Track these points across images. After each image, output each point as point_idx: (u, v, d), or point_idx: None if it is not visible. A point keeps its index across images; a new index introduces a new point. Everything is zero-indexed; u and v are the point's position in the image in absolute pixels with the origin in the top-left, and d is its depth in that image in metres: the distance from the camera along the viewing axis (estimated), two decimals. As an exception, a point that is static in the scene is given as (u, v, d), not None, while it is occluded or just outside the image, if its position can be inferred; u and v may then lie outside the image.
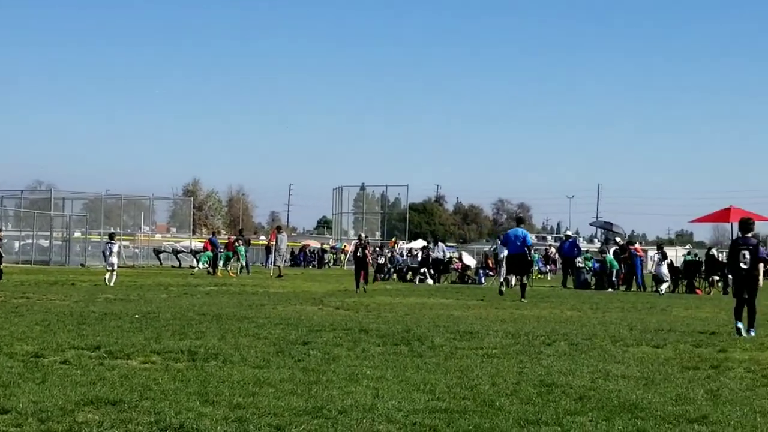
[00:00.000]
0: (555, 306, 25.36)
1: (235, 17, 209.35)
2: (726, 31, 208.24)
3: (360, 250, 33.05)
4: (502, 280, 31.28)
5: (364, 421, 8.29)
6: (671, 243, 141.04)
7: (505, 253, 30.93)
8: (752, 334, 16.75)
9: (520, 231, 29.36)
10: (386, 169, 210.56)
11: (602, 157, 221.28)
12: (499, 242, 49.69)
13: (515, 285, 29.98)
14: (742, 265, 17.23)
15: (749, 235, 17.51)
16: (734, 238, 19.14)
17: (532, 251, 30.75)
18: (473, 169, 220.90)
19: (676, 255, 60.42)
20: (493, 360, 12.57)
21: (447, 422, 8.29)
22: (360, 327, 16.68)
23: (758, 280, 17.29)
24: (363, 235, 38.17)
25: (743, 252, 17.21)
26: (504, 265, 31.96)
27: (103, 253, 34.38)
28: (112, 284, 30.96)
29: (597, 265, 41.23)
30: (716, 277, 38.28)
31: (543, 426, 8.29)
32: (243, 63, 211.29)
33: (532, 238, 32.97)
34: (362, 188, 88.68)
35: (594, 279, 40.66)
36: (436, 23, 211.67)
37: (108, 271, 32.13)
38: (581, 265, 41.36)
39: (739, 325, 16.88)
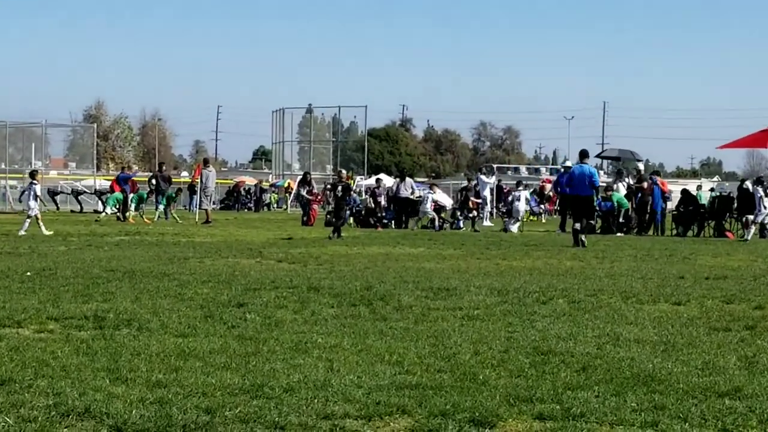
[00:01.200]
0: (552, 255, 25.51)
1: None
2: None
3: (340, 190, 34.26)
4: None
5: (315, 400, 8.28)
6: (695, 174, 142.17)
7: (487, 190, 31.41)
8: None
9: (587, 168, 30.56)
10: (340, 87, 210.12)
11: (608, 70, 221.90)
12: (482, 176, 50.01)
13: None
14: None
15: None
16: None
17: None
18: (447, 86, 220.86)
19: (701, 188, 60.61)
20: (476, 323, 12.63)
21: (419, 401, 8.30)
22: (309, 284, 16.69)
23: None
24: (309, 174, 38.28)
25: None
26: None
27: (22, 194, 34.79)
28: (46, 232, 31.41)
29: (605, 204, 41.36)
30: (751, 217, 38.46)
31: (538, 404, 8.32)
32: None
33: (523, 170, 33.71)
34: (309, 111, 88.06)
35: (600, 221, 40.82)
36: None
37: (29, 218, 32.49)
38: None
39: None
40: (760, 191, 36.02)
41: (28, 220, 32.42)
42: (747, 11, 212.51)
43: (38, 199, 34.81)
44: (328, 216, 42.00)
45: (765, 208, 34.61)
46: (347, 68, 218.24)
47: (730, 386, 8.99)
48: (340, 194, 34.53)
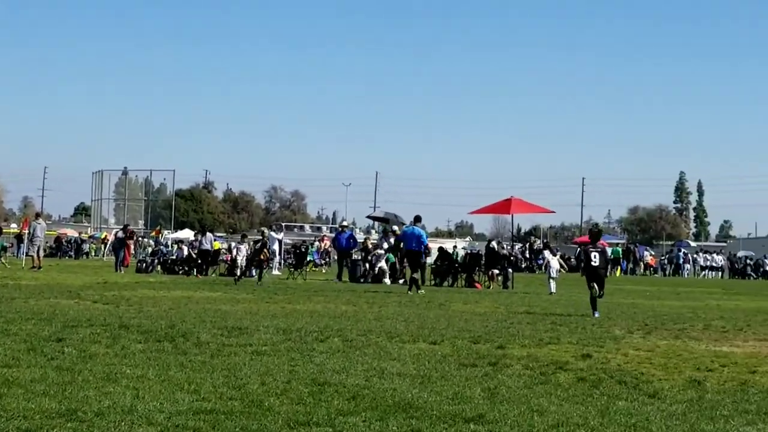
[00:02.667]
0: (330, 300, 25.56)
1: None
2: (504, 24, 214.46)
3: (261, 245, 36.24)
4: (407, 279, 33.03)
5: (123, 423, 8.17)
6: (450, 235, 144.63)
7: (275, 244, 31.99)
8: (597, 315, 21.87)
9: (417, 230, 32.71)
10: (152, 153, 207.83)
11: (381, 144, 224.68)
12: (272, 232, 49.97)
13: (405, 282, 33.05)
14: (593, 264, 22.84)
15: (599, 242, 24.19)
16: (584, 247, 25.63)
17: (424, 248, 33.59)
18: (245, 155, 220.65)
19: (456, 247, 61.63)
20: (263, 358, 12.59)
21: (212, 424, 8.26)
22: (120, 322, 16.43)
23: (605, 275, 23.97)
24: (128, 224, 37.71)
25: (594, 254, 22.91)
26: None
27: None
28: None
29: (374, 258, 41.76)
30: (496, 271, 39.28)
31: (314, 427, 8.36)
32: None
33: (307, 228, 34.64)
34: (125, 173, 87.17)
35: (371, 272, 41.13)
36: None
37: None
38: (355, 257, 41.97)
39: (597, 314, 21.96)
40: (547, 253, 37.05)
41: None
42: (482, 98, 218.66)
43: None
44: (139, 264, 41.48)
45: (551, 266, 35.07)
46: (159, 136, 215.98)
47: (475, 413, 9.15)
48: (258, 247, 36.48)
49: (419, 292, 30.65)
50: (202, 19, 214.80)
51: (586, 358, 13.66)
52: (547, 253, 37.44)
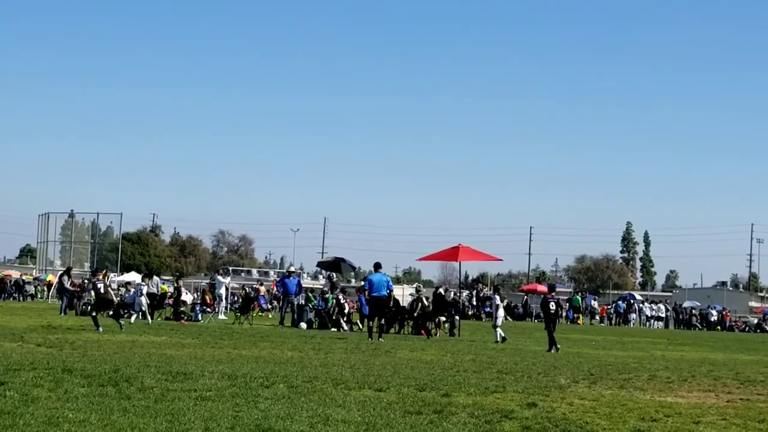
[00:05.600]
0: (276, 346, 25.48)
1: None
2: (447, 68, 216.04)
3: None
4: (370, 327, 33.41)
5: (64, 469, 8.10)
6: (398, 281, 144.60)
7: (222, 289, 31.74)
8: (556, 349, 28.33)
9: (384, 276, 33.37)
10: (99, 196, 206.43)
11: (330, 190, 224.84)
12: (219, 276, 49.79)
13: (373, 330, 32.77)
14: (551, 310, 28.94)
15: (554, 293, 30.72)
16: (544, 297, 31.34)
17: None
18: (192, 199, 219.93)
19: (404, 293, 61.66)
20: (207, 403, 12.52)
21: (155, 470, 8.20)
22: (63, 366, 16.28)
23: (558, 320, 31.07)
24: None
25: (551, 302, 29.11)
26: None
27: None
28: None
29: (321, 303, 41.69)
30: (443, 318, 39.25)
31: (258, 473, 8.32)
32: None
33: (255, 273, 34.74)
34: (71, 215, 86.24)
35: (317, 319, 40.99)
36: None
37: None
38: (301, 302, 41.90)
39: (552, 350, 28.25)
40: (497, 298, 37.10)
41: None
42: (431, 144, 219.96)
43: None
44: (84, 306, 41.18)
45: (499, 312, 35.53)
46: (106, 179, 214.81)
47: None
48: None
49: (379, 339, 31.07)
50: (149, 60, 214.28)
51: (531, 407, 13.69)
52: (497, 297, 37.43)
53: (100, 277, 34.15)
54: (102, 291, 31.31)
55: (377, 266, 33.66)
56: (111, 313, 31.68)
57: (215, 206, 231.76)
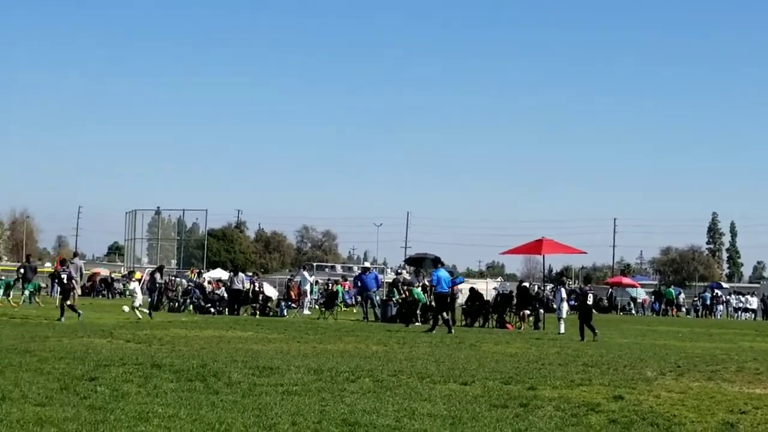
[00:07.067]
0: (360, 340, 25.54)
1: None
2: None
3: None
4: (440, 322, 33.44)
5: (154, 463, 8.19)
6: (482, 275, 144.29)
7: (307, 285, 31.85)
8: (597, 338, 29.40)
9: (445, 273, 34.62)
10: (184, 193, 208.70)
11: (412, 184, 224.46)
12: (304, 272, 50.02)
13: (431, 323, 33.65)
14: (589, 303, 30.75)
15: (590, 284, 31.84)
16: (581, 286, 33.22)
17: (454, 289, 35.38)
18: (276, 195, 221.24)
19: (487, 287, 61.40)
20: (294, 397, 12.59)
21: (243, 464, 8.26)
22: (152, 362, 16.47)
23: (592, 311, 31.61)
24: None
25: (589, 294, 30.93)
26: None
27: None
28: None
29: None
30: (527, 312, 39.07)
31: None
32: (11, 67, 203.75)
33: (338, 268, 34.99)
34: (157, 212, 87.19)
35: (405, 311, 40.94)
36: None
37: None
38: (378, 298, 41.99)
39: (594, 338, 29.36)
40: (562, 291, 36.78)
41: None
42: (515, 137, 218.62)
43: None
44: (171, 303, 41.69)
45: (562, 307, 35.30)
46: (192, 176, 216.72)
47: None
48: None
49: (449, 333, 31.03)
50: (236, 58, 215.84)
51: (618, 400, 13.59)
52: (562, 290, 37.00)
53: (65, 267, 34.35)
54: (65, 280, 32.09)
55: (438, 262, 33.91)
56: (70, 302, 32.36)
57: (299, 202, 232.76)
